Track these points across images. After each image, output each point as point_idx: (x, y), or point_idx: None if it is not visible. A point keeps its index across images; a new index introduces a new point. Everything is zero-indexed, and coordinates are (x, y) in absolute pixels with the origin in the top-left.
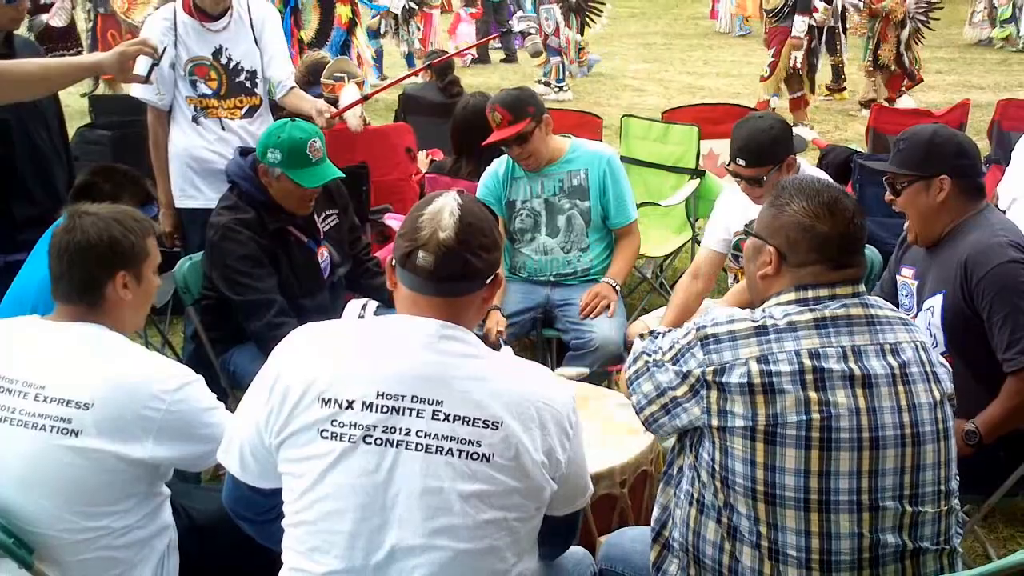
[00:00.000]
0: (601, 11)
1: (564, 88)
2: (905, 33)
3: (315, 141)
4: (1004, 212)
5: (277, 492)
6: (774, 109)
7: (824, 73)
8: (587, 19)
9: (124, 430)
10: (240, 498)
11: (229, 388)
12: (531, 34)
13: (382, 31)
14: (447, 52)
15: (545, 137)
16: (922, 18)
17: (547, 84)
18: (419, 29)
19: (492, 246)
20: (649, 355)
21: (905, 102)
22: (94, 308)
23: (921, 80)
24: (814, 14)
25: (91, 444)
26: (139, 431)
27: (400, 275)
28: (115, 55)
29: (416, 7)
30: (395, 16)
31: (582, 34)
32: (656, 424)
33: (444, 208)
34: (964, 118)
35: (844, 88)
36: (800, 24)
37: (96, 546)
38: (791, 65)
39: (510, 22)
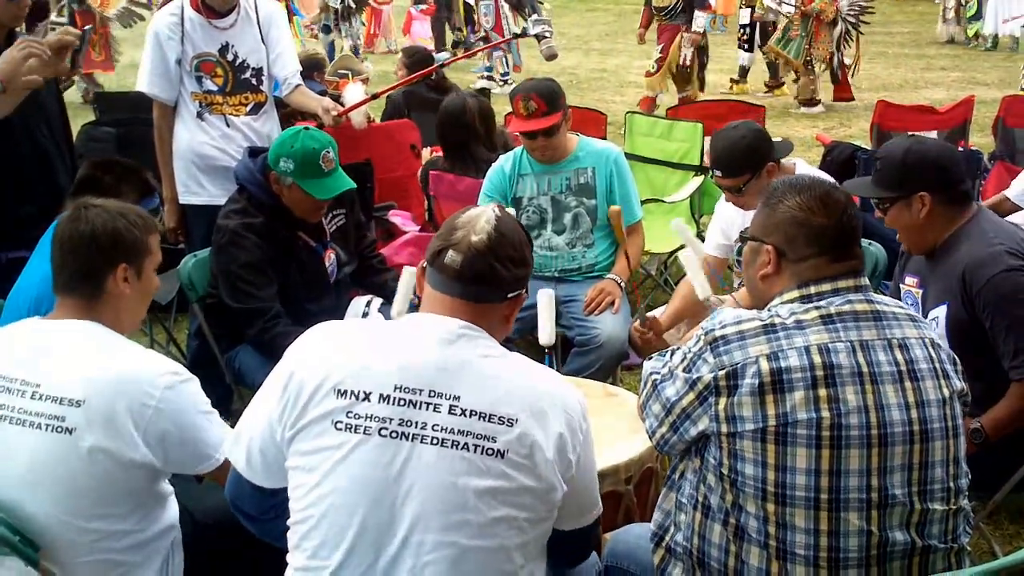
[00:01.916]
0: (539, 9)
1: (509, 82)
2: (836, 33)
3: (328, 151)
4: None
5: (278, 492)
6: (658, 106)
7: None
8: (527, 15)
9: (115, 427)
10: (242, 494)
11: (234, 385)
12: (547, 37)
13: (330, 24)
14: (427, 48)
15: (566, 132)
16: (852, 20)
17: (490, 78)
18: (364, 25)
19: (520, 261)
20: (657, 373)
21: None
22: (93, 301)
23: (845, 84)
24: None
25: (85, 442)
26: (131, 427)
27: (428, 274)
28: (12, 63)
29: (355, 4)
30: (336, 11)
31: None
32: (668, 446)
33: (481, 216)
34: (969, 114)
35: (783, 83)
36: (700, 19)
37: (97, 548)
38: (681, 63)
39: (525, 25)
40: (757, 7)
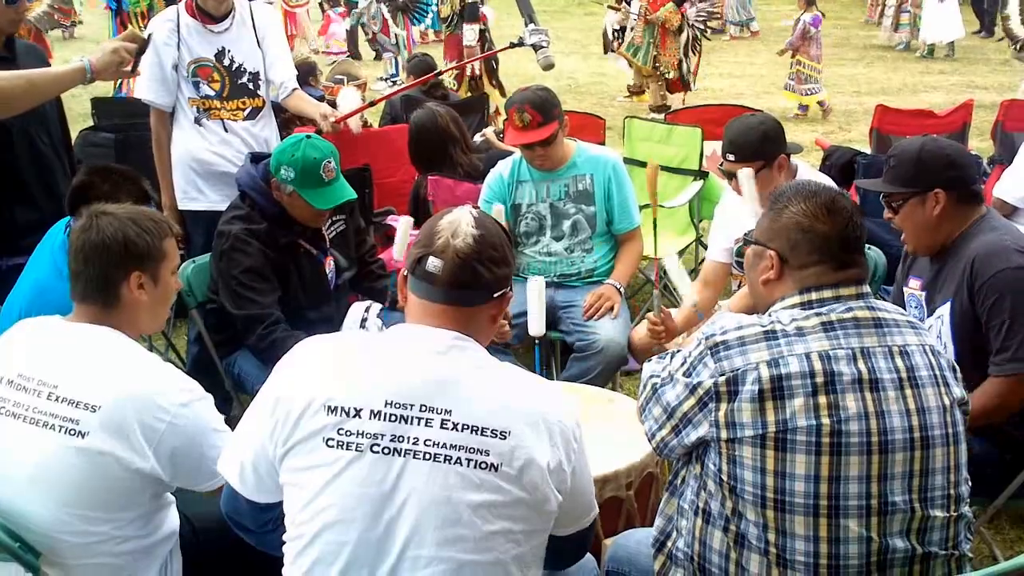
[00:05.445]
0: (426, 11)
1: (397, 82)
2: (683, 40)
3: (329, 161)
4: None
5: (274, 506)
6: None
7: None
8: (414, 17)
9: (128, 437)
10: (238, 509)
11: (233, 392)
12: (543, 47)
13: None
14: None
15: (564, 138)
16: (700, 26)
17: (385, 80)
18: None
19: (502, 261)
20: (657, 376)
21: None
22: (110, 308)
23: (688, 89)
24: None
25: (96, 446)
26: (142, 440)
27: (411, 283)
28: (109, 54)
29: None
30: None
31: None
32: (667, 449)
33: (460, 219)
34: (968, 119)
35: (643, 91)
36: (470, 33)
37: (98, 551)
38: (470, 75)
39: (521, 35)
40: (620, 14)
